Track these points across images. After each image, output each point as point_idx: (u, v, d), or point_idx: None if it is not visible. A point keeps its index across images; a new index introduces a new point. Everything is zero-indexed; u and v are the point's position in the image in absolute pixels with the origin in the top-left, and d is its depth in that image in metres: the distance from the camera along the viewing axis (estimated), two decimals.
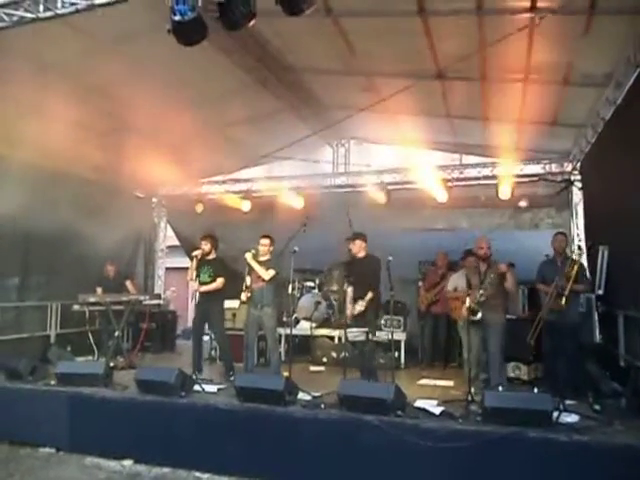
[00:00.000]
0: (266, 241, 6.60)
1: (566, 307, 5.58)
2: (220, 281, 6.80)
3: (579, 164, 8.49)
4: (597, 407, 4.90)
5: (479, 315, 5.71)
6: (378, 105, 6.84)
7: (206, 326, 7.16)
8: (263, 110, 8.33)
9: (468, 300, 5.64)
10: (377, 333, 6.59)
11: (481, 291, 5.71)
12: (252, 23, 4.32)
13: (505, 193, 8.73)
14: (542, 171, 8.95)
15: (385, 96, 6.42)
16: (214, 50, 6.12)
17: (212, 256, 6.96)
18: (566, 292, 5.55)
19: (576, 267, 5.67)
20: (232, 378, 6.44)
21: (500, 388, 5.60)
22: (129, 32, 5.84)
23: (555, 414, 4.41)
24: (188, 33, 4.34)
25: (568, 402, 4.86)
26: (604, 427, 4.41)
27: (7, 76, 6.06)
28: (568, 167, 8.78)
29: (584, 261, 8.17)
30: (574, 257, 5.95)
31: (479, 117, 7.61)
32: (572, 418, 4.57)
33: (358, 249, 6.26)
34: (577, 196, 8.73)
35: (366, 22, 5.80)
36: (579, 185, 8.61)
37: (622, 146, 5.83)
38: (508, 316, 7.01)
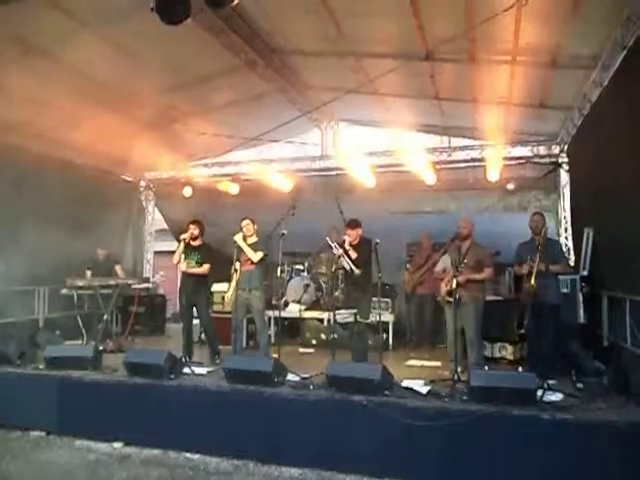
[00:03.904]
0: (247, 222, 6.62)
1: (536, 287, 5.60)
2: (206, 267, 6.85)
3: (566, 146, 8.54)
4: (580, 386, 5.00)
5: (457, 297, 5.75)
6: (367, 87, 6.82)
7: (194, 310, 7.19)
8: (251, 92, 8.26)
9: (453, 282, 5.72)
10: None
11: (456, 275, 5.76)
12: (236, 2, 4.27)
13: (493, 176, 8.76)
14: (530, 154, 8.99)
15: (373, 77, 6.39)
16: (201, 31, 6.04)
17: (199, 242, 6.97)
18: (533, 271, 5.59)
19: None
20: (218, 361, 6.50)
21: (486, 367, 5.70)
22: (114, 12, 5.73)
23: (539, 393, 4.50)
24: (171, 11, 4.29)
25: (552, 381, 4.95)
26: (587, 405, 4.50)
27: None
28: (555, 149, 8.82)
29: (569, 242, 8.29)
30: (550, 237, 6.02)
31: (467, 99, 7.60)
32: (556, 396, 4.67)
33: (355, 236, 6.22)
34: (564, 178, 8.79)
35: (354, 2, 5.74)
36: (566, 168, 8.66)
37: (608, 128, 5.87)
38: (494, 297, 7.12)
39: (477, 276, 5.86)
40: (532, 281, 5.56)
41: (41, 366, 5.98)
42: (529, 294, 5.63)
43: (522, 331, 5.73)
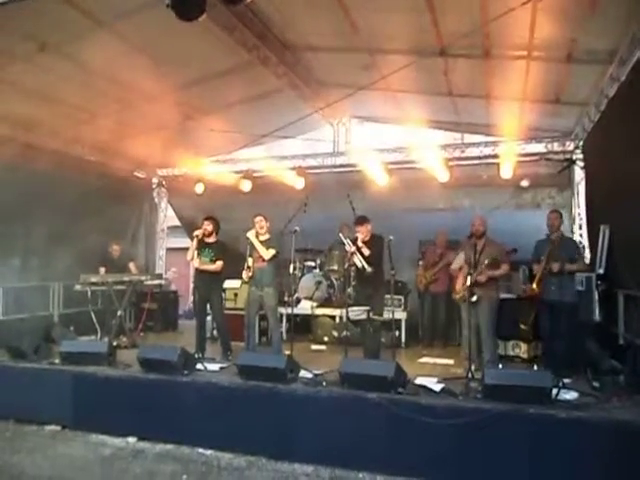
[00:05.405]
0: (260, 218, 6.66)
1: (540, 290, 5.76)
2: (220, 264, 6.89)
3: (581, 143, 8.44)
4: (596, 384, 4.95)
5: (474, 297, 5.79)
6: (380, 83, 6.77)
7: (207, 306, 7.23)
8: (263, 89, 8.24)
9: (468, 279, 5.69)
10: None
11: (475, 274, 5.79)
12: None
13: (507, 172, 8.69)
14: (544, 150, 8.89)
15: (387, 74, 6.36)
16: (215, 28, 6.02)
17: (213, 239, 7.02)
18: (537, 274, 5.63)
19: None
20: (230, 357, 6.54)
21: (500, 365, 5.66)
22: (128, 9, 5.75)
23: (554, 391, 4.46)
24: (187, 7, 4.30)
25: (567, 379, 4.91)
26: (602, 404, 4.47)
27: (6, 56, 6.00)
28: (570, 146, 8.72)
29: (584, 239, 8.21)
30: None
31: (482, 95, 7.53)
32: (571, 395, 4.63)
33: (365, 232, 6.20)
34: (579, 175, 8.69)
35: None
36: (581, 164, 8.56)
37: (625, 124, 5.78)
38: (508, 295, 7.07)
39: (496, 273, 5.86)
40: (534, 285, 5.57)
41: (56, 361, 6.04)
42: (531, 296, 5.64)
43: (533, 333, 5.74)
